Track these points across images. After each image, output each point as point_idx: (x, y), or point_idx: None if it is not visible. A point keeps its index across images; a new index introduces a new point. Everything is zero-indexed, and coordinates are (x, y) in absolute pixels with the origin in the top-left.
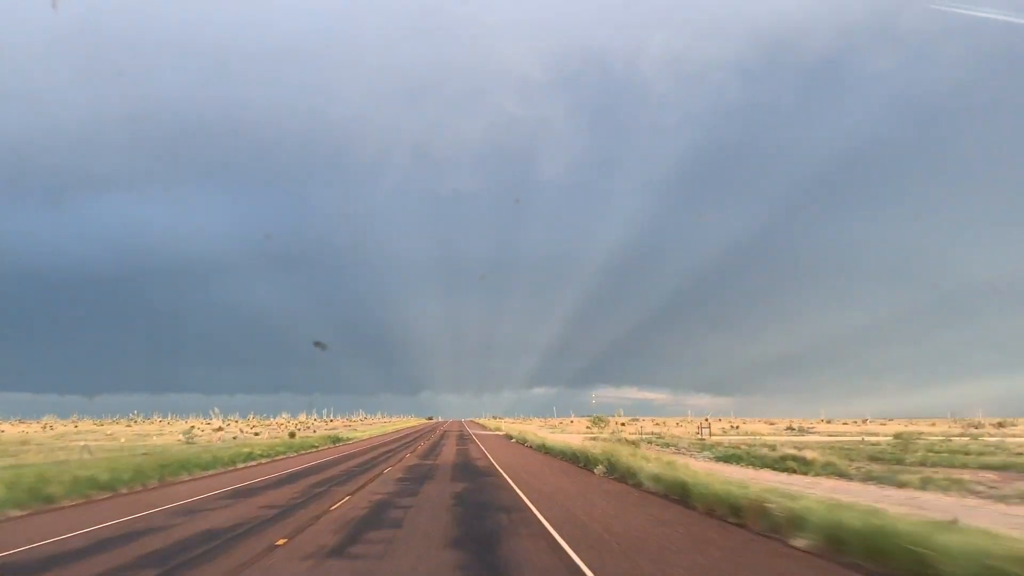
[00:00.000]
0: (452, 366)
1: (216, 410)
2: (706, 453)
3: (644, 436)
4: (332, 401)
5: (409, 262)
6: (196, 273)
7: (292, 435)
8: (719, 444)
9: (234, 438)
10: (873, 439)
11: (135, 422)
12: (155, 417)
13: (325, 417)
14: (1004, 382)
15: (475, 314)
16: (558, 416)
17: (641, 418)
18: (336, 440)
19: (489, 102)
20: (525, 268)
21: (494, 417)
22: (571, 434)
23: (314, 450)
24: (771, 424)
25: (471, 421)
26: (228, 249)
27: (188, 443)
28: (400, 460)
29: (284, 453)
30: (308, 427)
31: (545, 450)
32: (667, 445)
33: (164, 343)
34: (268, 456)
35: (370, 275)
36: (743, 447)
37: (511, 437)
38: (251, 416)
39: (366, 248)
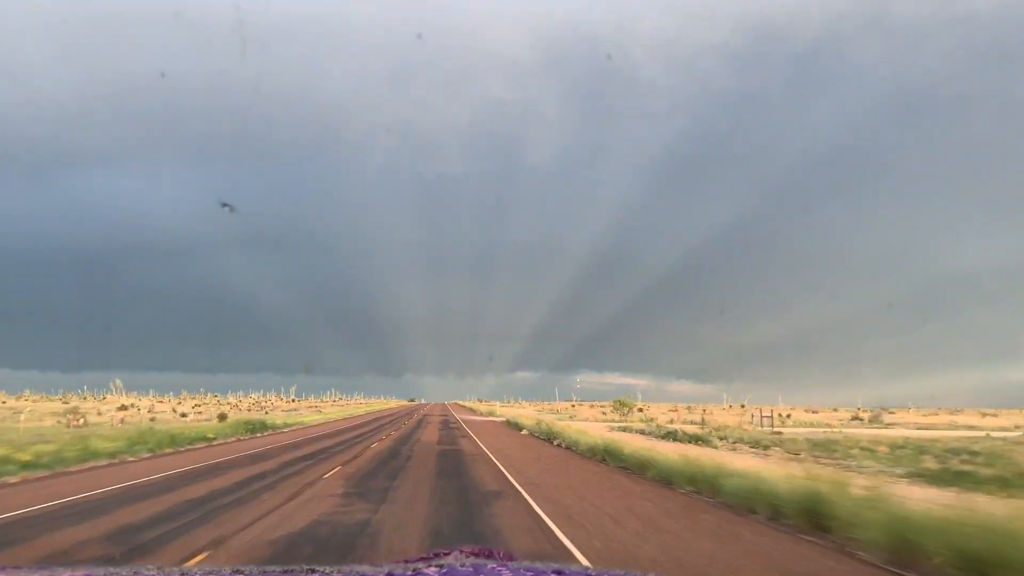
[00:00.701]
0: (435, 349)
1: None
2: (899, 469)
3: (683, 425)
4: (317, 382)
5: (394, 245)
6: (179, 251)
7: (223, 417)
8: (794, 439)
9: (152, 419)
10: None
11: (86, 398)
12: (127, 394)
13: (299, 398)
14: (984, 373)
15: (459, 298)
16: (560, 399)
17: (648, 403)
18: (257, 428)
19: (476, 85)
20: (510, 253)
21: (480, 400)
22: (586, 421)
23: (183, 450)
24: (814, 412)
25: (456, 404)
26: (211, 227)
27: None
28: (312, 484)
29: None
30: (261, 407)
31: (603, 457)
32: (746, 442)
33: (145, 322)
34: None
35: (355, 257)
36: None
37: (520, 428)
38: (229, 394)
39: (351, 230)
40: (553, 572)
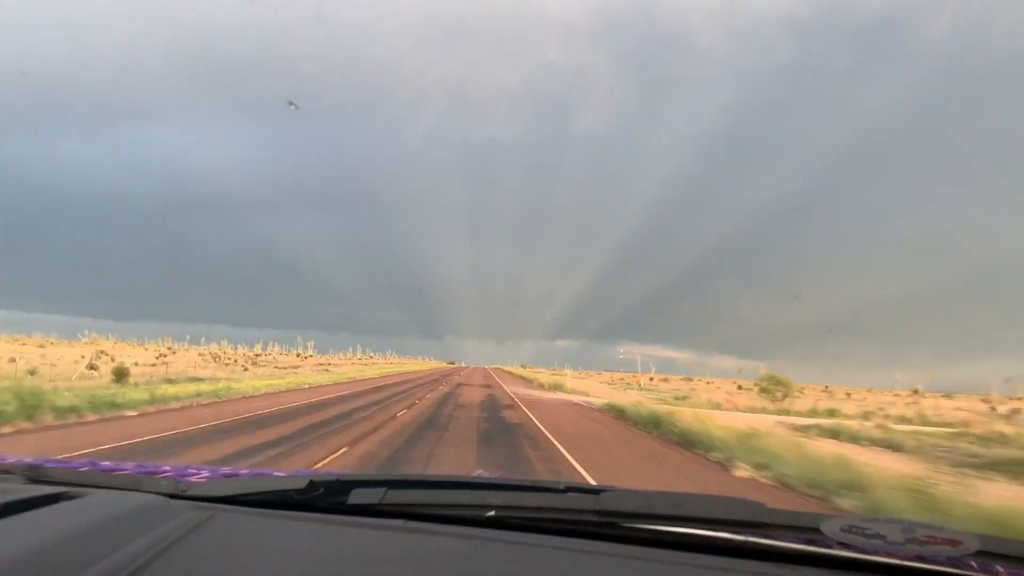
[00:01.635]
0: (477, 314)
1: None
2: None
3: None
4: (362, 341)
5: (440, 208)
6: (232, 208)
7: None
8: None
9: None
10: None
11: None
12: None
13: (324, 353)
14: None
15: (503, 263)
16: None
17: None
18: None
19: (529, 48)
20: (555, 220)
21: (524, 366)
22: (727, 410)
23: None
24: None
25: (498, 369)
26: (264, 186)
27: None
28: None
29: None
30: (248, 361)
31: None
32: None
33: (195, 274)
34: None
35: (401, 219)
36: None
37: (656, 425)
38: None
39: (399, 192)
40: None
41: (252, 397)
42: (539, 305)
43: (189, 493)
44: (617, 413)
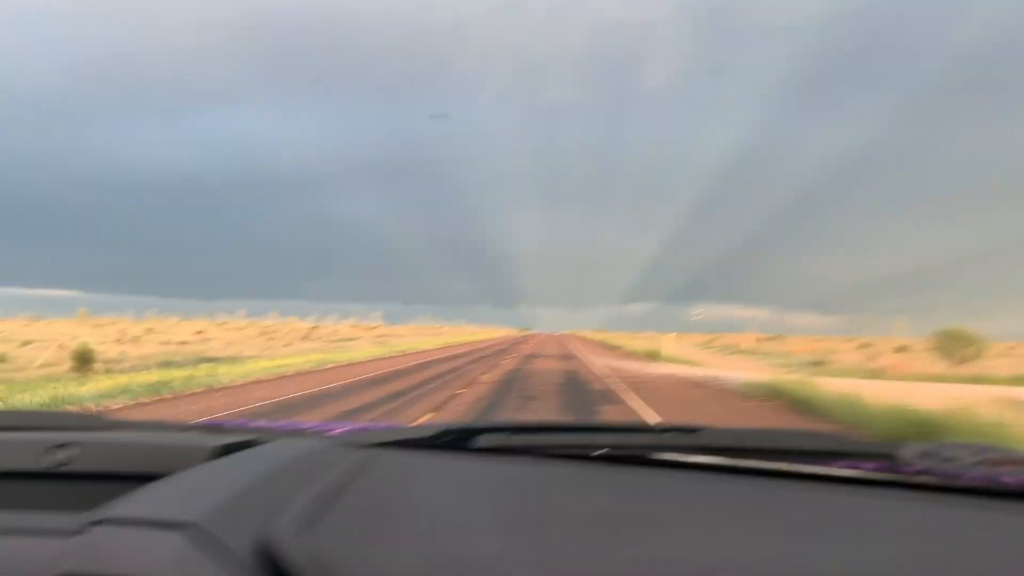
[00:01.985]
0: (548, 280)
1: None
2: None
3: None
4: (435, 311)
5: (507, 174)
6: (301, 184)
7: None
8: None
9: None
10: None
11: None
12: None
13: (401, 324)
14: None
15: (573, 228)
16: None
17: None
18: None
19: (592, 7)
20: (624, 181)
21: (598, 332)
22: (897, 381)
23: None
24: None
25: (572, 335)
26: (331, 161)
27: None
28: None
29: None
30: (306, 335)
31: None
32: None
33: (270, 252)
34: None
35: (469, 188)
36: None
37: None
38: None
39: (465, 160)
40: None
41: (212, 391)
42: (611, 269)
43: (351, 440)
44: (793, 403)
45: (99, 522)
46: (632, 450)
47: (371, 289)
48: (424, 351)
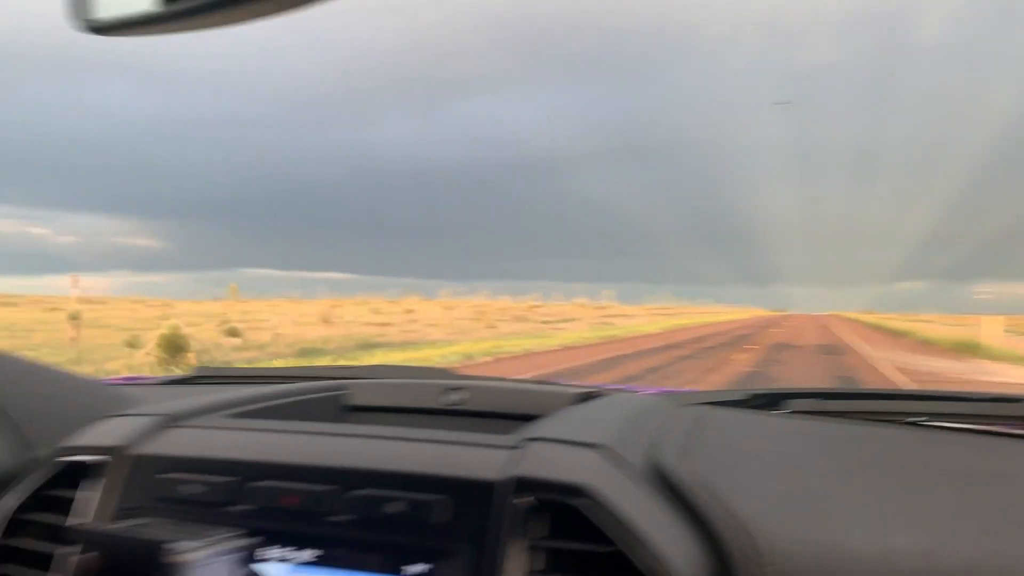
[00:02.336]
0: (807, 257)
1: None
2: None
3: None
4: (680, 290)
5: (760, 146)
6: (551, 168)
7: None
8: None
9: None
10: None
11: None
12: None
13: (637, 303)
14: None
15: (833, 201)
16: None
17: None
18: None
19: None
20: (892, 148)
21: (864, 313)
22: None
23: None
24: None
25: (835, 317)
26: (578, 143)
27: None
28: None
29: None
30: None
31: None
32: None
33: (517, 234)
34: None
35: (718, 162)
36: None
37: None
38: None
39: (716, 135)
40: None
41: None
42: (876, 244)
43: (677, 398)
44: None
45: (532, 439)
46: (949, 419)
47: (611, 268)
48: (626, 338)
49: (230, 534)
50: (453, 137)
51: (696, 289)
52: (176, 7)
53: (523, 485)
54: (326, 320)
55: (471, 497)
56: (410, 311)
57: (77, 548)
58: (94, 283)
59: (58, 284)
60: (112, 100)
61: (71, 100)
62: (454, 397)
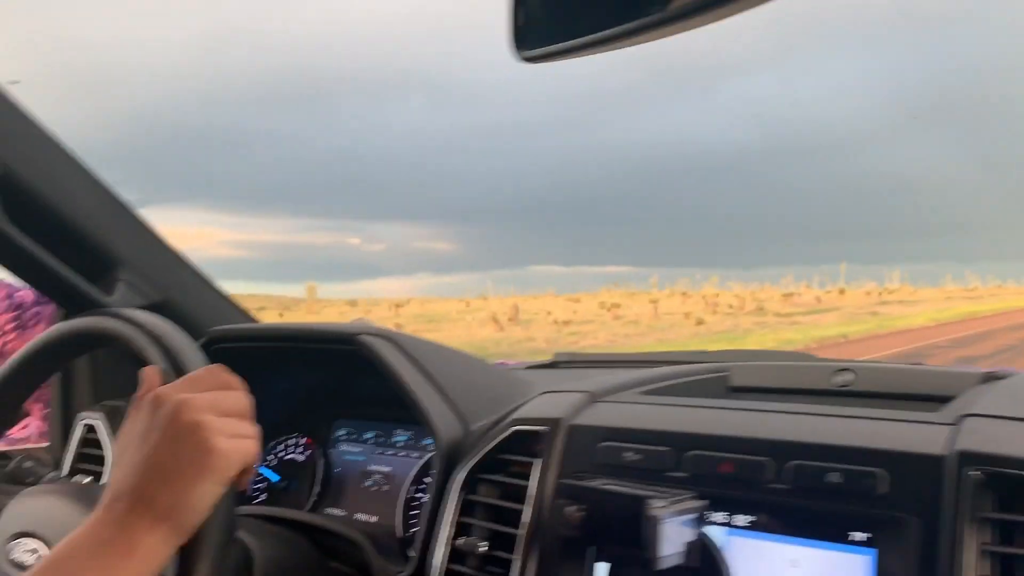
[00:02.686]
0: None
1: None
2: None
3: None
4: (1005, 268)
5: None
6: (833, 143)
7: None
8: None
9: None
10: None
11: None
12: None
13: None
14: None
15: None
16: None
17: None
18: None
19: None
20: None
21: None
22: None
23: None
24: None
25: None
26: (871, 116)
27: None
28: None
29: None
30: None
31: None
32: None
33: (805, 217)
34: None
35: None
36: None
37: None
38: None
39: None
40: None
41: None
42: None
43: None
44: None
45: (970, 415)
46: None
47: (926, 248)
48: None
49: (688, 495)
50: (730, 120)
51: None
52: (593, 37)
53: (970, 459)
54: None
55: (913, 470)
56: (658, 302)
57: (564, 501)
58: (399, 285)
59: (370, 288)
60: (410, 117)
61: (375, 121)
62: (844, 378)
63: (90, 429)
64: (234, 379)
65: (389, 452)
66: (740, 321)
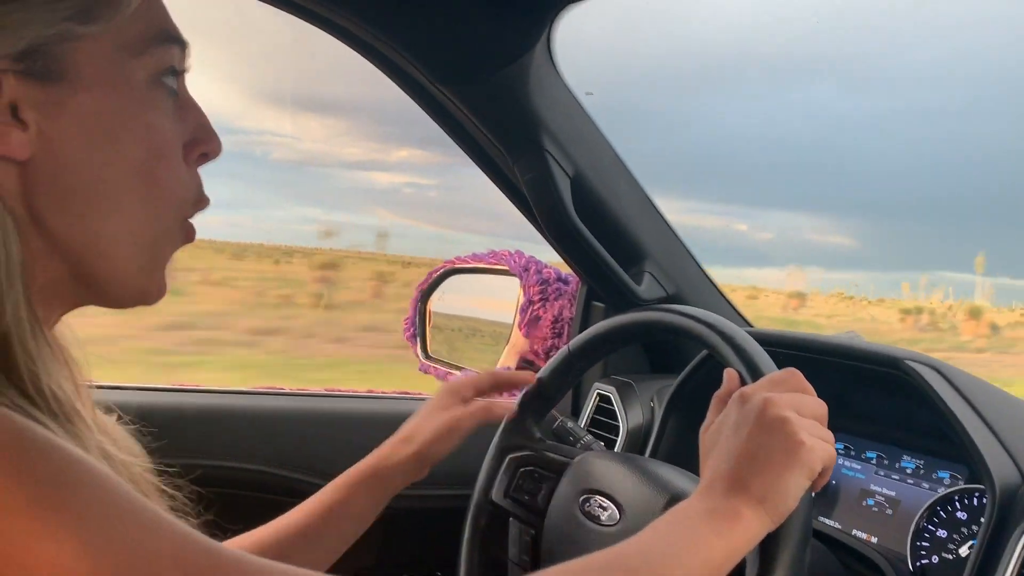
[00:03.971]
0: None
1: None
2: None
3: None
4: None
5: None
6: None
7: None
8: None
9: None
10: None
11: None
12: None
13: None
14: None
15: None
16: None
17: None
18: None
19: None
20: None
21: None
22: None
23: None
24: None
25: None
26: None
27: None
28: None
29: None
30: None
31: None
32: None
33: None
34: None
35: None
36: None
37: None
38: None
39: None
40: None
41: None
42: None
43: None
44: None
45: None
46: None
47: None
48: None
49: None
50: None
51: None
52: None
53: None
54: None
55: None
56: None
57: None
58: (784, 276)
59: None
60: (813, 100)
61: (776, 103)
62: None
63: (603, 398)
64: (809, 385)
65: (894, 476)
66: None
